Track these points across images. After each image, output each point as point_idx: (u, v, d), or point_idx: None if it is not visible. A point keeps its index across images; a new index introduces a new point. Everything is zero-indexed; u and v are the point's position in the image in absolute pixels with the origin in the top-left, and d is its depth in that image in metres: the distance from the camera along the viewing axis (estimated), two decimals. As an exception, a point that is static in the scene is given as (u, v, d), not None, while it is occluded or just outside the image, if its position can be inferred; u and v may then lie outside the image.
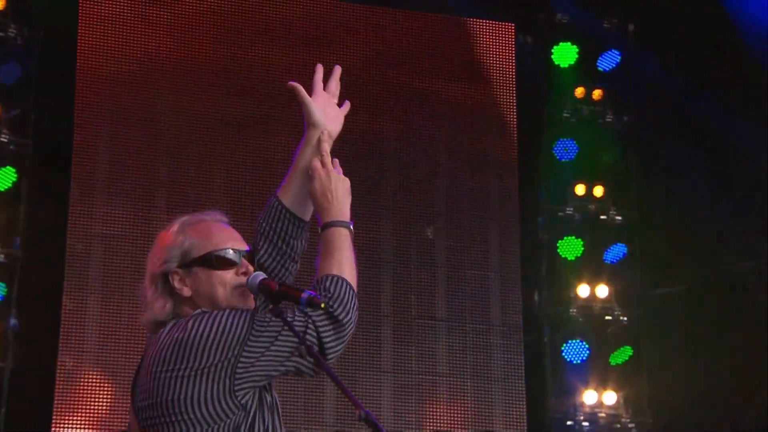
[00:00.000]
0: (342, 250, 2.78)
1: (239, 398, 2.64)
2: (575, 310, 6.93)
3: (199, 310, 2.73)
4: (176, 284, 2.80)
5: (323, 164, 2.87)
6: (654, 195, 7.30)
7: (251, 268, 2.83)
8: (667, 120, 7.39)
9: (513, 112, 7.02)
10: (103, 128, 6.34)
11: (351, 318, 2.71)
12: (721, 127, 7.12)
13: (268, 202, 2.99)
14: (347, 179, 2.88)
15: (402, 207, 6.49)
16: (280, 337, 2.65)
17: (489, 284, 6.84)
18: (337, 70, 3.06)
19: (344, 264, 2.76)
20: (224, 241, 2.84)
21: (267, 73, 6.55)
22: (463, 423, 6.52)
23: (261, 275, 2.81)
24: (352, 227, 2.85)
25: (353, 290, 2.74)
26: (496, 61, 7.02)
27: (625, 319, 6.94)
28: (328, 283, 2.71)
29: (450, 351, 6.59)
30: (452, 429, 6.50)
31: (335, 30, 6.78)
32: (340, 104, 3.04)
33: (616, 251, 7.09)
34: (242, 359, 2.62)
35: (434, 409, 6.55)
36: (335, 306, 2.67)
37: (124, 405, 5.70)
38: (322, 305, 2.67)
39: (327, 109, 2.97)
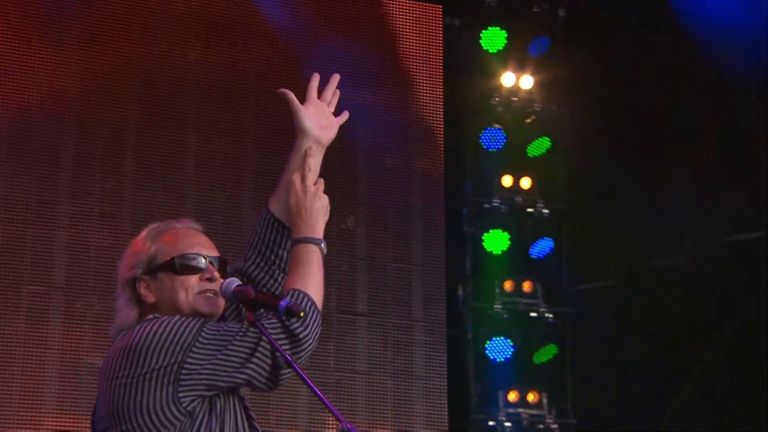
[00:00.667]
0: (309, 267, 2.81)
1: (184, 405, 2.65)
2: (500, 306, 6.78)
3: (150, 316, 2.75)
4: (142, 291, 2.83)
5: (303, 179, 2.91)
6: (583, 188, 7.25)
7: (217, 274, 2.84)
8: (597, 109, 7.31)
9: (440, 99, 6.84)
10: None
11: (310, 336, 2.72)
12: (652, 116, 7.04)
13: (260, 212, 3.04)
14: (325, 197, 2.91)
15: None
16: (230, 347, 2.66)
17: (411, 278, 6.73)
18: (335, 79, 3.12)
19: (309, 281, 2.79)
20: (190, 246, 2.86)
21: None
22: (382, 422, 6.43)
23: (236, 281, 2.83)
24: (323, 246, 2.87)
25: (316, 308, 2.75)
26: (422, 44, 6.82)
27: (551, 316, 6.84)
28: (290, 297, 2.70)
29: (370, 347, 6.46)
30: (371, 429, 6.39)
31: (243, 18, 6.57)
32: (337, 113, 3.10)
33: (543, 245, 6.98)
34: (186, 365, 2.63)
35: (353, 408, 6.39)
36: (292, 321, 2.67)
37: None
38: (301, 314, 2.69)
39: (319, 118, 3.02)
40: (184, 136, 6.37)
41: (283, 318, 2.69)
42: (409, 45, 6.79)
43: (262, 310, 2.75)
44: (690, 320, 7.25)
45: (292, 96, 3.00)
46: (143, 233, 2.96)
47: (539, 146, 7.02)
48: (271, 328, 2.67)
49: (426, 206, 6.76)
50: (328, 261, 2.96)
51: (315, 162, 2.98)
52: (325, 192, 2.96)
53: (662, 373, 7.28)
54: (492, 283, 6.85)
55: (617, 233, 7.26)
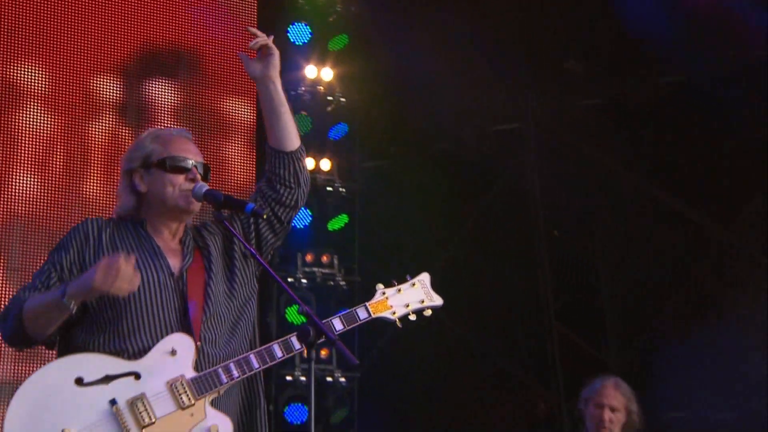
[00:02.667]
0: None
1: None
2: None
3: None
4: (136, 181, 3.20)
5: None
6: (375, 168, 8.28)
7: (199, 177, 3.20)
8: (386, 97, 8.15)
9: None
10: None
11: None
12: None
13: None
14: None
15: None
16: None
17: None
18: (254, 33, 3.36)
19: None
20: (181, 150, 3.24)
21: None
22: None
23: (206, 186, 3.20)
24: None
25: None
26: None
27: (344, 190, 7.71)
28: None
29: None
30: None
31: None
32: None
33: (339, 129, 7.76)
34: None
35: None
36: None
37: None
38: (264, 215, 3.14)
39: (259, 63, 3.32)
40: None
41: (249, 214, 3.12)
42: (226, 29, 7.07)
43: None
44: (455, 194, 8.44)
45: (243, 57, 3.38)
46: (145, 133, 3.33)
47: (337, 132, 7.77)
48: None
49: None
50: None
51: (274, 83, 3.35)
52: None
53: (432, 235, 8.47)
54: None
55: (399, 121, 8.23)
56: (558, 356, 8.60)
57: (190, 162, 3.21)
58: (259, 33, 3.31)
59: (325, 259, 7.49)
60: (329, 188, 7.65)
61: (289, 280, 7.44)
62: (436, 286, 8.32)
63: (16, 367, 6.09)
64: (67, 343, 3.11)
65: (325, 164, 7.62)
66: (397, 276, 3.54)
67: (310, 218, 7.50)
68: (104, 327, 3.06)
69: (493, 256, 8.77)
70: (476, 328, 8.41)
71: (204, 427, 3.02)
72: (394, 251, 8.25)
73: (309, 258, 7.45)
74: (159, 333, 3.07)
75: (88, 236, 3.17)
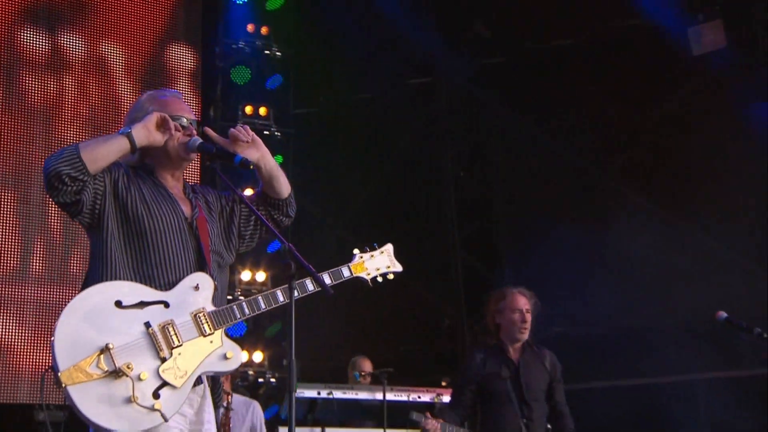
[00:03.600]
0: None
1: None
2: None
3: None
4: None
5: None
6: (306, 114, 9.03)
7: (195, 131, 3.46)
8: (317, 52, 8.89)
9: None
10: None
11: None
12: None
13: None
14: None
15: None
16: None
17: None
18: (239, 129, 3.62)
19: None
20: (177, 110, 3.49)
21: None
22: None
23: (199, 140, 3.44)
24: None
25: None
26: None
27: (279, 134, 8.57)
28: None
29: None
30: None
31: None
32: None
33: (275, 80, 8.62)
34: None
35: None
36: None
37: None
38: (251, 166, 3.40)
39: (252, 150, 3.56)
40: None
41: (237, 165, 3.33)
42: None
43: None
44: (375, 139, 9.36)
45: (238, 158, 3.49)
46: (144, 96, 3.53)
47: (273, 81, 8.58)
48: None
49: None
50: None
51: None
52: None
53: (355, 174, 9.30)
54: (237, 108, 8.44)
55: (328, 73, 9.02)
56: (461, 280, 9.53)
57: (185, 120, 3.44)
58: (239, 131, 3.55)
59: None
60: (266, 132, 8.48)
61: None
62: (358, 219, 9.14)
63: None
64: (105, 262, 3.29)
65: (263, 111, 8.47)
66: (366, 244, 3.90)
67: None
68: (135, 255, 3.29)
69: (407, 193, 9.58)
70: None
71: (221, 353, 3.29)
72: (322, 189, 8.94)
73: (248, 193, 8.24)
74: (182, 270, 3.32)
75: (120, 165, 3.41)
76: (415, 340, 9.33)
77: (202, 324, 3.27)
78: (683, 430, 8.24)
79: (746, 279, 7.99)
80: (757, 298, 7.58)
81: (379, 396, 6.55)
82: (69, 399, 3.04)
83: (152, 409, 3.09)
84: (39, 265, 7.28)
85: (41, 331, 7.10)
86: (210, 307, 3.31)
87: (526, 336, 5.41)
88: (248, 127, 3.58)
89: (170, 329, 3.20)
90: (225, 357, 3.29)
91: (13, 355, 7.10)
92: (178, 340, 3.20)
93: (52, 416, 6.91)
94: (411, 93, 9.79)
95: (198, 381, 3.27)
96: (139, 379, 3.10)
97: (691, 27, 8.35)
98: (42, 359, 7.05)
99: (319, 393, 6.62)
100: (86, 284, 3.26)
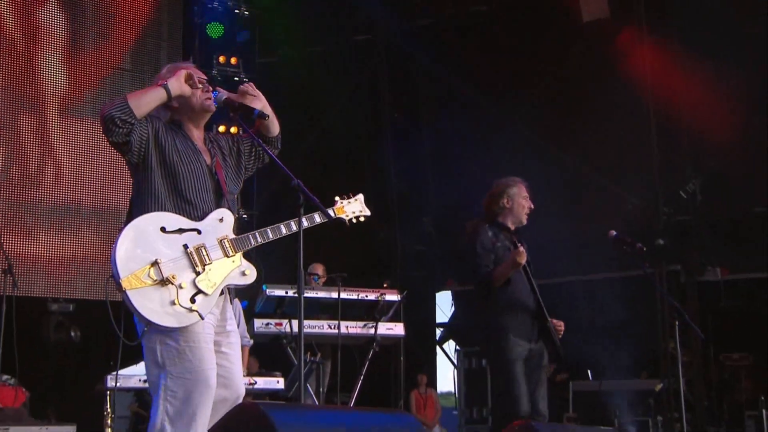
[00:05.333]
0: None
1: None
2: (215, 72, 9.56)
3: None
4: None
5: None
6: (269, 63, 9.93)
7: (210, 88, 3.82)
8: (279, 11, 9.72)
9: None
10: None
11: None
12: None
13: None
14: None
15: None
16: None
17: (159, 51, 9.15)
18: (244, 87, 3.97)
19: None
20: (196, 73, 3.83)
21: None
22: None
23: (226, 93, 3.83)
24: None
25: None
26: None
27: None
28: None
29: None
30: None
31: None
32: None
33: (243, 35, 9.81)
34: None
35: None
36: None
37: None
38: (267, 117, 3.84)
39: (257, 101, 3.92)
40: None
41: (255, 117, 3.74)
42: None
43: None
44: (323, 87, 10.34)
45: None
46: (164, 69, 3.86)
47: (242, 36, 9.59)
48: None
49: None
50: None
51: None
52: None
53: (306, 118, 10.31)
54: (211, 57, 9.51)
55: (287, 29, 10.03)
56: (396, 204, 10.92)
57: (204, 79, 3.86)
58: (247, 87, 3.91)
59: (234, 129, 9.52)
60: (236, 78, 9.54)
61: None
62: (308, 157, 10.20)
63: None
64: (151, 195, 3.64)
65: (233, 60, 9.56)
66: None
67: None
68: (172, 191, 3.66)
69: (348, 137, 10.61)
70: (335, 183, 10.08)
71: (240, 271, 3.71)
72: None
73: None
74: (207, 206, 3.71)
75: (159, 119, 3.75)
76: (359, 251, 10.22)
77: (226, 247, 3.69)
78: (584, 322, 9.49)
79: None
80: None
81: (334, 295, 7.32)
82: (127, 300, 3.45)
83: (191, 310, 3.52)
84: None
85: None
86: (232, 235, 3.72)
87: (526, 221, 5.50)
88: (253, 84, 3.99)
89: (203, 250, 3.62)
90: (243, 273, 3.74)
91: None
92: (209, 259, 3.64)
93: (62, 307, 8.22)
94: (355, 48, 10.75)
95: (221, 291, 3.68)
96: (180, 287, 3.52)
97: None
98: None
99: (286, 292, 7.27)
100: (135, 213, 3.62)
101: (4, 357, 6.49)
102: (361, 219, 4.19)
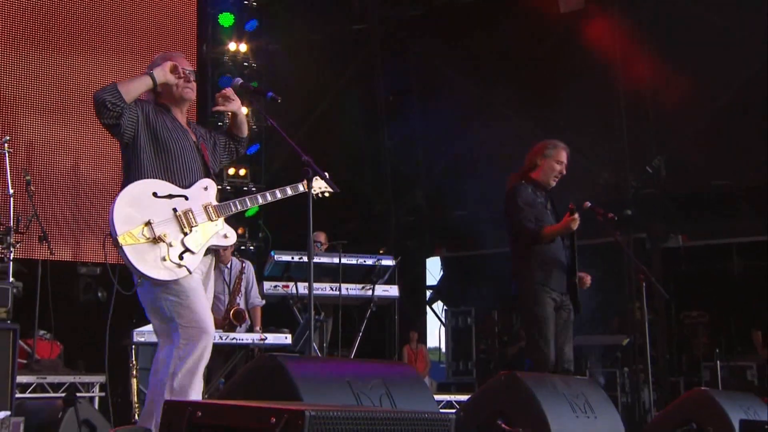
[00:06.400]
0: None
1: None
2: (228, 58, 10.09)
3: None
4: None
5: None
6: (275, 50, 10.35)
7: (193, 78, 4.07)
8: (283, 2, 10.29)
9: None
10: None
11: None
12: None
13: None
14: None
15: None
16: None
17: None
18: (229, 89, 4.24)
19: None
20: (184, 64, 4.09)
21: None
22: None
23: (240, 80, 4.25)
24: None
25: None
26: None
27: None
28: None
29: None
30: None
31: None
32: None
33: (252, 24, 10.28)
34: None
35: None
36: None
37: None
38: (279, 100, 4.11)
39: (234, 104, 4.20)
40: None
41: (268, 99, 4.06)
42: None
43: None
44: (324, 72, 10.89)
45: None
46: (158, 55, 4.09)
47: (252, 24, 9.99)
48: None
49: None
50: None
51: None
52: None
53: (311, 97, 10.73)
54: (223, 44, 9.98)
55: (290, 20, 10.58)
56: (390, 179, 11.44)
57: (188, 70, 4.07)
58: (228, 94, 4.16)
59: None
60: (245, 63, 10.00)
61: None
62: (310, 135, 10.66)
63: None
64: (139, 169, 3.86)
65: (243, 47, 10.04)
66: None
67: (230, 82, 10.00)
68: (161, 164, 3.89)
69: (348, 114, 11.12)
70: (335, 161, 9.39)
71: (221, 233, 3.97)
72: (283, 107, 10.47)
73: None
74: (194, 176, 3.96)
75: (149, 102, 4.00)
76: (358, 221, 10.78)
77: (210, 212, 3.94)
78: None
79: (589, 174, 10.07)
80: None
81: (335, 260, 7.67)
82: (123, 254, 3.67)
83: (179, 265, 3.76)
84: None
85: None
86: (215, 202, 3.97)
87: (554, 184, 5.55)
88: (232, 90, 4.20)
89: (190, 214, 3.86)
90: (225, 236, 4.01)
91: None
92: (195, 222, 3.88)
93: (90, 270, 8.73)
94: (352, 36, 11.24)
95: (207, 251, 3.93)
96: (170, 245, 3.76)
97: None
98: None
99: (292, 258, 7.66)
100: (127, 183, 3.82)
101: (41, 315, 6.92)
102: (326, 194, 4.43)
